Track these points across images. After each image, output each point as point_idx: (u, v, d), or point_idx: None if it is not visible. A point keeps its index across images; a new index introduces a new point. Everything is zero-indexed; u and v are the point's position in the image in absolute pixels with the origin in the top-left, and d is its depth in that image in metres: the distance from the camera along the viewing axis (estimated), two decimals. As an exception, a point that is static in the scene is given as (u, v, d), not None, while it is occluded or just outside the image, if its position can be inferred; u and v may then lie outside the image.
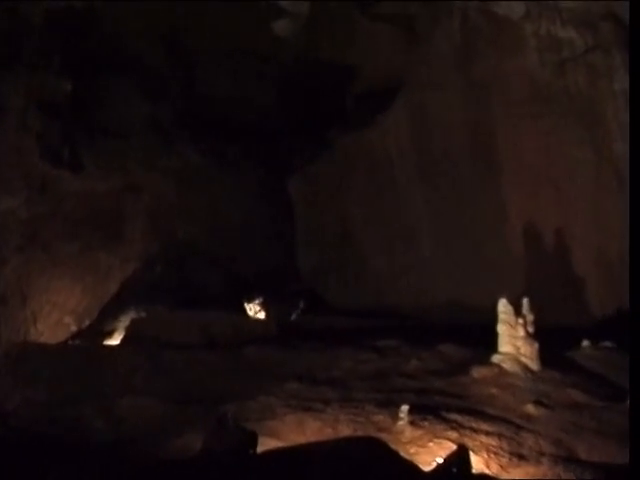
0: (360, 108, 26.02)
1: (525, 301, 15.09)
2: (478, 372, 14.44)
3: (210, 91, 26.48)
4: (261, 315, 24.12)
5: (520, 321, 14.79)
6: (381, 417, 12.32)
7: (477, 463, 10.52)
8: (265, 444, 10.71)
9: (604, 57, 21.28)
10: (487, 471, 10.56)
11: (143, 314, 22.84)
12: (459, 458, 9.86)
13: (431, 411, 12.33)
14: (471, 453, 10.37)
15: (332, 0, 24.44)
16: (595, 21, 21.46)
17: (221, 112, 26.40)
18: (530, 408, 12.85)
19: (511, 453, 11.16)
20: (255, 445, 9.75)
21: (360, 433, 11.66)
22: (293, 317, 24.61)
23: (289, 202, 27.18)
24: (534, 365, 14.58)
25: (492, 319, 14.85)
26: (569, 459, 11.06)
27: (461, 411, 12.51)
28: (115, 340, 21.45)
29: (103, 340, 21.82)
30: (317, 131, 26.59)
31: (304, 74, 26.33)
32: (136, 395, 14.43)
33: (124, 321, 22.40)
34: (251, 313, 24.23)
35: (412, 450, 11.05)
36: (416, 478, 9.23)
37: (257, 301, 24.35)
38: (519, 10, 22.05)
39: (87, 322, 23.78)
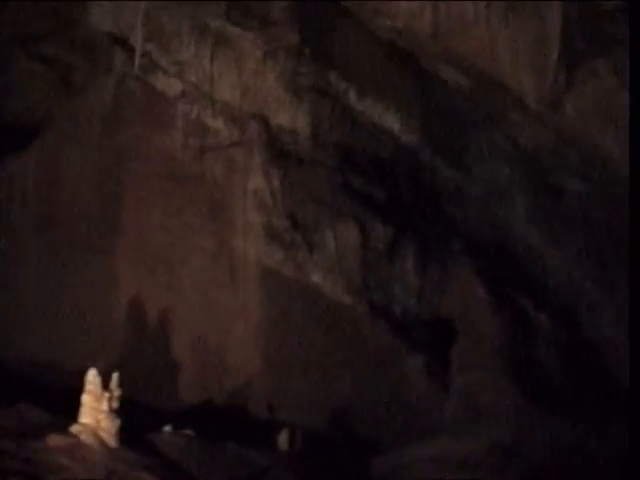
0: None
1: (115, 376, 14.93)
2: (53, 440, 13.99)
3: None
4: None
5: (106, 394, 14.62)
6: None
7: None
8: None
9: (245, 154, 21.97)
10: None
11: None
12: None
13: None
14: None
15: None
16: (245, 119, 22.21)
17: None
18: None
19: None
20: None
21: None
22: None
23: None
24: (112, 441, 14.39)
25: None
26: None
27: (26, 477, 11.93)
28: None
29: None
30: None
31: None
32: None
33: None
34: None
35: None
36: None
37: None
38: (176, 89, 22.46)
39: None
